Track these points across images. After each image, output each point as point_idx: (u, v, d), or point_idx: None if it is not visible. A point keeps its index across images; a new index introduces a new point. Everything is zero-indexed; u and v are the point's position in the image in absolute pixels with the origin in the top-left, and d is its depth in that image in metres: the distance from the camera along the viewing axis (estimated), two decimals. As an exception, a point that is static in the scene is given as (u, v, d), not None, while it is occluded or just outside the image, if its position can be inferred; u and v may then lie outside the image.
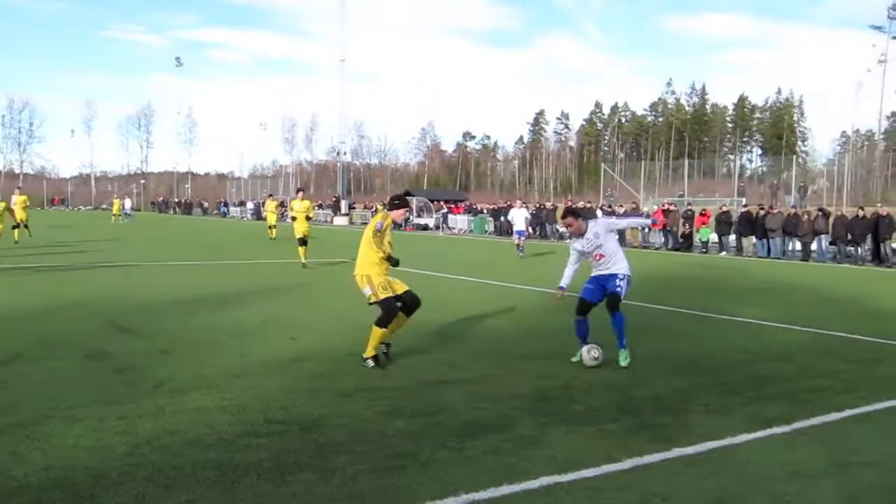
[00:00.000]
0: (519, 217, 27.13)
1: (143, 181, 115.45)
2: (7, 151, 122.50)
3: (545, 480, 4.98)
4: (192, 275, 18.33)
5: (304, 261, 19.82)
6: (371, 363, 8.20)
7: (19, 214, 28.49)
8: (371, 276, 8.41)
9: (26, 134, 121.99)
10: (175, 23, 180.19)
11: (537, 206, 47.01)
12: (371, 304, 8.42)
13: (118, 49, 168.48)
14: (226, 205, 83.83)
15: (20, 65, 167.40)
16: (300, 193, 23.35)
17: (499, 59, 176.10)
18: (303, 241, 20.27)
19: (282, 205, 36.84)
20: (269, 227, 34.58)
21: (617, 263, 8.86)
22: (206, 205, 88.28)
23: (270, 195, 42.13)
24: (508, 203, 48.66)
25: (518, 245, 26.19)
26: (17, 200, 29.02)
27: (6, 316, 11.28)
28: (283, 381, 7.57)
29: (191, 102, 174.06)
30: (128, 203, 61.63)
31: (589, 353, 8.51)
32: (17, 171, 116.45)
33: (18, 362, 8.20)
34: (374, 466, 5.17)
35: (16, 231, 27.64)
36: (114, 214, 56.30)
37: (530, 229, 33.74)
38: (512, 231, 28.54)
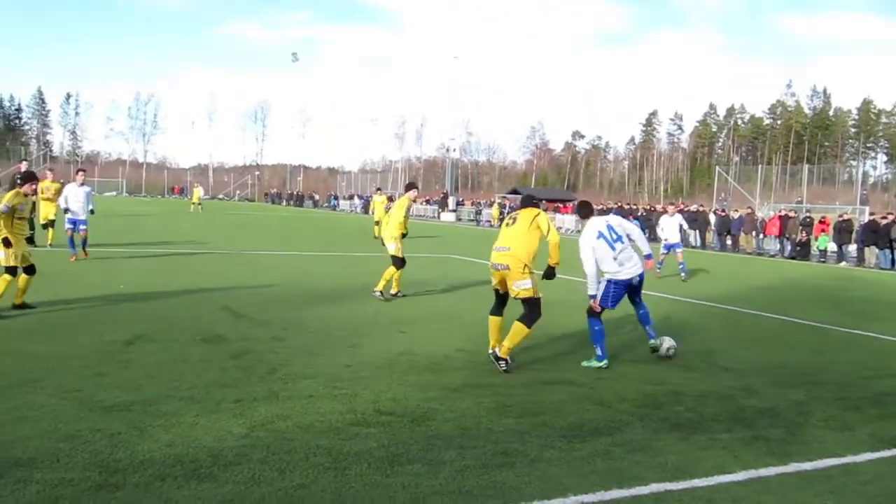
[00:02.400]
0: (671, 226, 19.73)
1: (257, 173, 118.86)
2: (133, 141, 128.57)
3: (655, 487, 4.89)
4: (303, 264, 18.76)
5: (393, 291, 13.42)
6: (504, 365, 7.90)
7: (45, 210, 19.30)
8: (532, 268, 8.04)
9: (150, 125, 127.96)
10: (288, 20, 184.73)
11: (647, 208, 46.21)
12: (522, 299, 8.00)
13: (235, 45, 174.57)
14: (336, 198, 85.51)
15: (146, 59, 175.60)
16: (413, 191, 14.34)
17: (611, 58, 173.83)
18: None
19: (390, 199, 34.54)
20: (376, 224, 30.01)
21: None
22: (316, 197, 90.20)
23: (378, 189, 36.27)
24: (652, 207, 47.00)
25: (661, 261, 19.19)
26: (48, 187, 19.32)
27: (128, 298, 11.81)
28: (393, 373, 7.66)
29: (305, 98, 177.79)
30: (200, 191, 57.72)
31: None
32: (140, 161, 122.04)
33: (141, 343, 8.56)
34: (481, 462, 5.18)
35: (49, 231, 19.41)
36: (193, 203, 53.01)
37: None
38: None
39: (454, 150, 78.55)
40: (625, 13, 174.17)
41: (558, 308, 12.24)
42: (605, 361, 8.40)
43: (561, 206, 58.14)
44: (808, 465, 5.52)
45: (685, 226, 20.11)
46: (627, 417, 6.53)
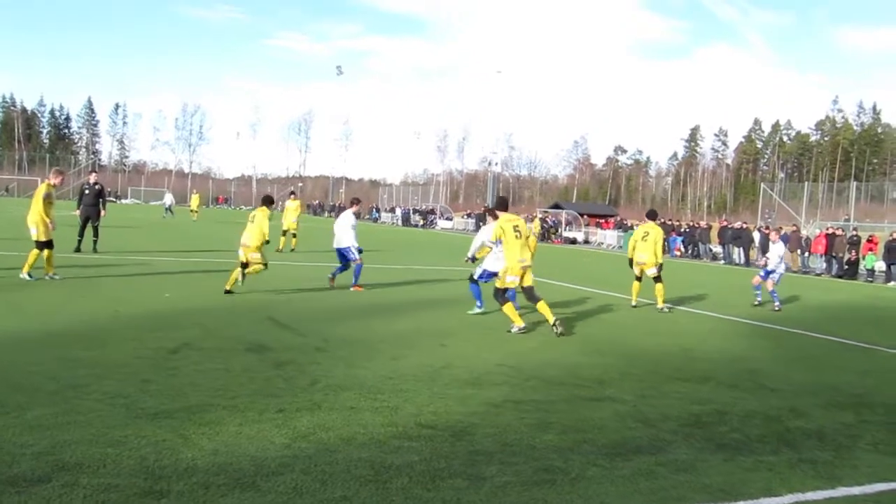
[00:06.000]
0: (772, 253, 17.65)
1: (300, 184, 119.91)
2: (179, 152, 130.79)
3: (700, 509, 4.82)
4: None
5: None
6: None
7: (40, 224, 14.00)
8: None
9: (196, 136, 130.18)
10: (338, 32, 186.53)
11: (690, 224, 45.80)
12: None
13: (282, 57, 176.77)
14: (378, 210, 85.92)
15: (193, 71, 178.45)
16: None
17: (654, 71, 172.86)
18: None
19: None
20: (283, 233, 26.64)
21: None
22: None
23: (293, 193, 30.81)
24: (696, 224, 45.60)
25: (757, 285, 17.65)
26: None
27: (173, 306, 11.96)
28: (434, 386, 7.65)
29: (348, 110, 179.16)
30: (168, 198, 57.37)
31: None
32: (186, 171, 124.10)
33: (186, 351, 8.66)
34: (523, 479, 5.14)
35: (46, 254, 14.09)
36: (192, 210, 52.22)
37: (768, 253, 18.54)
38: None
39: (496, 163, 78.24)
40: (669, 26, 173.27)
41: (599, 325, 12.17)
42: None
43: (603, 221, 57.81)
44: (856, 490, 5.40)
45: (780, 252, 17.86)
46: (671, 437, 6.44)
